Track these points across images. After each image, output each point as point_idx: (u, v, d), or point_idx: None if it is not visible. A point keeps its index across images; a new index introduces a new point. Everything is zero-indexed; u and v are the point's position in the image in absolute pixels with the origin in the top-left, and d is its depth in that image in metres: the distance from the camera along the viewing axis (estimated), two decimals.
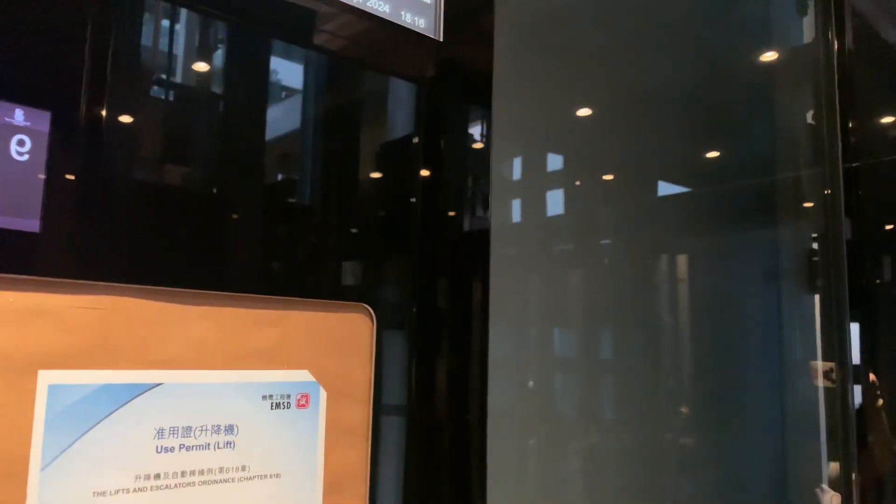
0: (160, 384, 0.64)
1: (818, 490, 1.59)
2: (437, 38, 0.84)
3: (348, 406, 0.75)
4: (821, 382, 1.56)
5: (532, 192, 1.58)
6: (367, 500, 0.75)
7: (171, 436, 0.64)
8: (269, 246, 0.74)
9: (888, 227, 1.58)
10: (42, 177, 0.59)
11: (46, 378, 0.59)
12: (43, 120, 0.59)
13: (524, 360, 1.38)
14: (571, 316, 1.52)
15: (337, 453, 0.74)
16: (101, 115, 0.62)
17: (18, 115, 0.58)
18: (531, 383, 1.38)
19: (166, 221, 0.67)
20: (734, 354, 1.78)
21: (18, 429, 0.57)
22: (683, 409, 1.62)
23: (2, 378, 0.57)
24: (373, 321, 0.77)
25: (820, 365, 1.56)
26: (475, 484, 0.86)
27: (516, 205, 1.54)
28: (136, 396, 0.63)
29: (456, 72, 0.89)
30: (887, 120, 1.59)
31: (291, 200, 0.77)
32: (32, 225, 0.58)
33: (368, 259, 0.80)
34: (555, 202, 1.64)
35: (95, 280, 0.62)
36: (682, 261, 1.73)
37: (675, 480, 1.62)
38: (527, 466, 1.31)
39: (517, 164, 1.55)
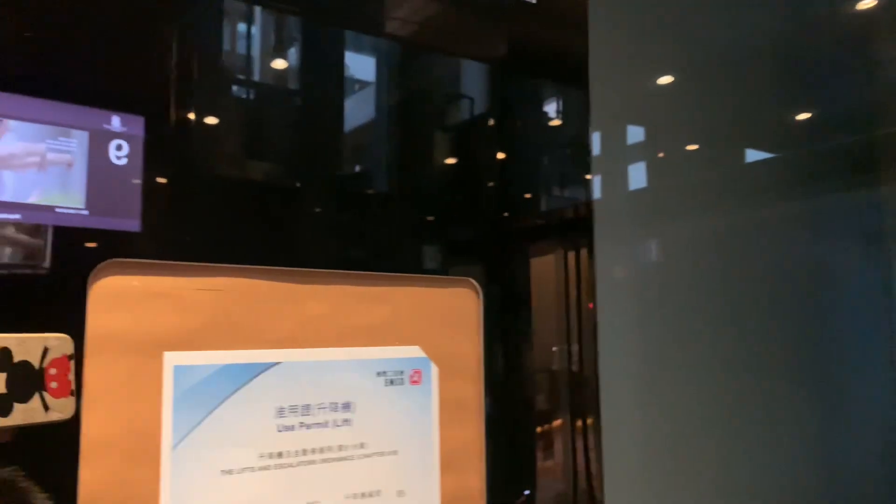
0: (278, 363, 0.64)
1: None
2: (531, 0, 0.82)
3: (460, 382, 0.74)
4: None
5: (613, 166, 1.53)
6: (485, 478, 0.74)
7: (291, 414, 0.65)
8: (376, 224, 0.73)
9: None
10: (141, 178, 0.60)
11: (172, 359, 0.60)
12: (138, 125, 0.60)
13: (618, 335, 1.34)
14: (659, 291, 1.47)
15: (451, 430, 0.73)
16: (191, 117, 0.63)
17: (115, 122, 0.60)
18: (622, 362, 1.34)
19: (273, 208, 0.67)
20: (836, 328, 1.69)
21: (150, 409, 0.59)
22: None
23: (132, 360, 0.58)
24: (479, 296, 0.76)
25: None
26: (590, 464, 0.83)
27: (597, 181, 1.50)
28: (256, 376, 0.63)
29: (552, 37, 0.86)
30: None
31: (396, 179, 0.76)
32: (134, 225, 0.59)
33: (475, 235, 0.79)
34: (637, 175, 1.59)
35: (211, 262, 0.62)
36: (774, 229, 1.66)
37: (776, 468, 1.55)
38: (637, 447, 1.28)
39: (596, 137, 1.51)
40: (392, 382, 0.70)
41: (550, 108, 0.95)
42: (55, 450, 0.53)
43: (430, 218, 0.77)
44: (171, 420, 0.59)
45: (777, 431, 1.53)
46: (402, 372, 0.70)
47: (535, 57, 0.88)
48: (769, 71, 1.69)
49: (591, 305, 0.91)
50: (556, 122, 0.96)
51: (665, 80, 1.62)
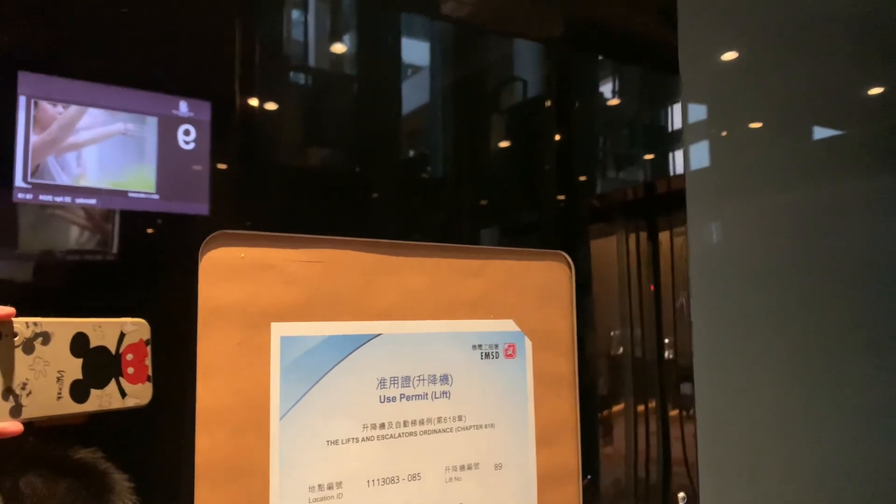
0: (379, 335, 0.65)
1: None
2: None
3: (553, 356, 0.73)
4: None
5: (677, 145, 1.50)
6: (579, 453, 0.73)
7: (392, 386, 0.65)
8: (468, 197, 0.73)
9: None
10: (208, 162, 0.60)
11: (278, 330, 0.60)
12: (204, 110, 0.61)
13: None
14: (730, 272, 1.44)
15: (546, 404, 0.72)
16: (255, 101, 0.63)
17: (183, 107, 0.60)
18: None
19: (335, 189, 0.67)
20: None
21: (259, 380, 0.59)
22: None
23: (242, 331, 0.59)
24: (571, 269, 0.75)
25: None
26: (682, 440, 0.82)
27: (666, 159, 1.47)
28: (358, 347, 0.64)
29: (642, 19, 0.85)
30: None
31: (491, 151, 0.76)
32: (202, 208, 0.60)
33: (566, 208, 0.78)
34: (699, 154, 1.56)
35: (312, 234, 0.62)
36: (849, 207, 1.61)
37: (862, 450, 1.50)
38: (731, 425, 1.25)
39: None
40: (487, 356, 0.70)
41: (641, 87, 0.94)
42: (131, 433, 0.54)
43: (527, 190, 0.77)
44: (278, 390, 0.60)
45: (863, 411, 1.49)
46: (496, 345, 0.70)
47: (626, 39, 0.86)
48: (839, 45, 1.64)
49: (651, 287, 0.89)
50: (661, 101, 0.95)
51: (730, 56, 1.58)
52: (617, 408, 0.79)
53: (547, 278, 0.74)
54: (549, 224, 0.77)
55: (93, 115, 0.56)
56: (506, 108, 0.80)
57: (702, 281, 1.37)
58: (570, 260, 0.75)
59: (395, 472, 0.64)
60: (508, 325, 0.71)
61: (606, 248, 0.80)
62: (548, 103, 0.82)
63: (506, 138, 0.79)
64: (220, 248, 0.59)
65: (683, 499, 0.78)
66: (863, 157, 1.68)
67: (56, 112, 0.55)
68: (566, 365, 0.74)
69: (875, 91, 1.71)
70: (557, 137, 0.82)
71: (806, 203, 1.61)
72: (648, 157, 0.94)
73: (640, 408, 0.81)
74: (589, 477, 0.78)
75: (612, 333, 0.79)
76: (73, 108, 0.55)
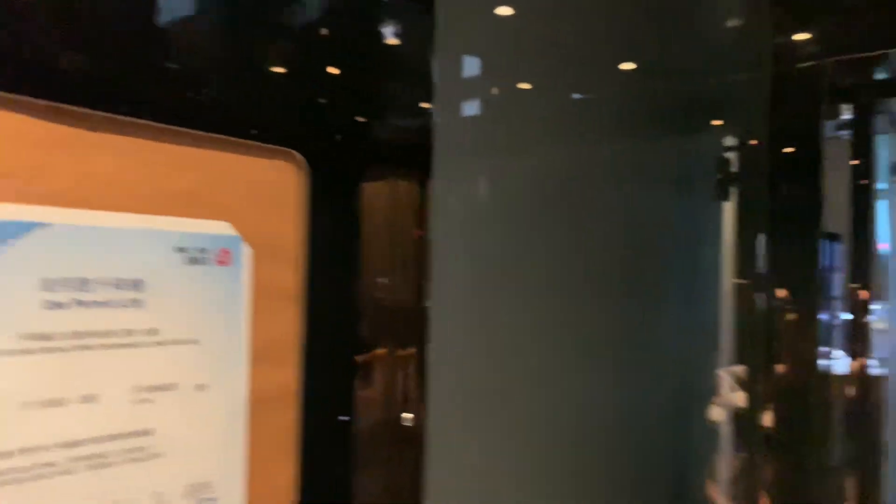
0: (48, 224, 0.52)
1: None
2: None
3: (276, 266, 0.65)
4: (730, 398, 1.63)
5: (448, 97, 1.49)
6: (299, 369, 0.66)
7: (63, 289, 0.53)
8: (185, 75, 0.62)
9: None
10: None
11: None
12: None
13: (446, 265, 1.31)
14: (486, 225, 1.46)
15: (265, 318, 0.64)
16: None
17: None
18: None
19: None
20: (650, 265, 1.79)
21: None
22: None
23: None
24: (304, 173, 0.67)
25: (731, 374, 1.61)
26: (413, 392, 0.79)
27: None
28: (16, 237, 0.51)
29: None
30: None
31: (215, 24, 0.65)
32: None
33: (298, 102, 0.70)
34: (470, 108, 1.56)
35: None
36: (601, 170, 1.71)
37: (586, 395, 1.61)
38: (462, 376, 1.25)
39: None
40: (194, 261, 0.60)
41: (392, 27, 0.89)
42: None
43: (259, 77, 0.67)
44: None
45: (591, 360, 1.59)
46: (205, 250, 0.61)
47: None
48: (601, 15, 1.72)
49: (416, 233, 0.85)
50: (394, 42, 0.90)
51: (504, 11, 1.59)
52: (345, 351, 0.73)
53: (274, 178, 0.65)
54: (282, 121, 0.69)
55: None
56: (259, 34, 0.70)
57: (463, 229, 1.37)
58: (303, 161, 0.67)
59: (62, 394, 0.52)
60: (223, 228, 0.62)
61: (350, 197, 0.74)
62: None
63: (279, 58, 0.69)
64: None
65: (408, 420, 0.75)
66: (609, 124, 1.79)
67: None
68: (291, 278, 0.66)
69: (627, 66, 1.83)
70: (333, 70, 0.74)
71: (569, 163, 1.67)
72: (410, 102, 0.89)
73: (370, 355, 0.76)
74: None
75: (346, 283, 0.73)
76: None
